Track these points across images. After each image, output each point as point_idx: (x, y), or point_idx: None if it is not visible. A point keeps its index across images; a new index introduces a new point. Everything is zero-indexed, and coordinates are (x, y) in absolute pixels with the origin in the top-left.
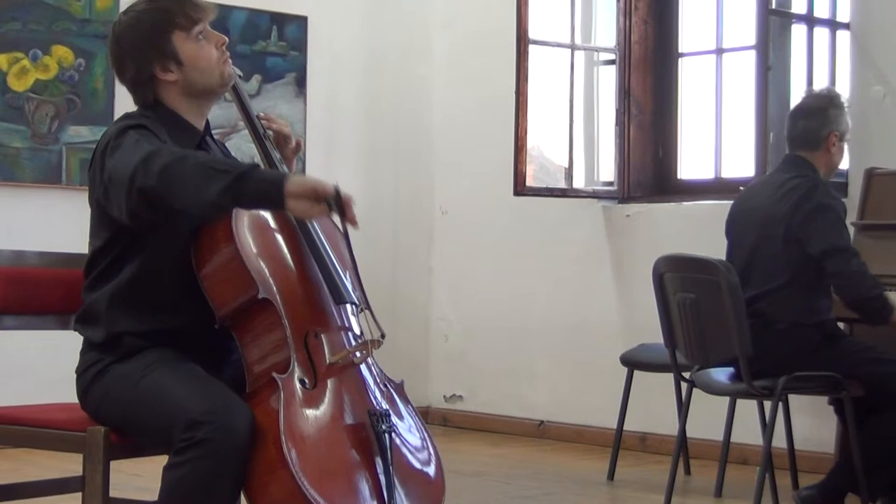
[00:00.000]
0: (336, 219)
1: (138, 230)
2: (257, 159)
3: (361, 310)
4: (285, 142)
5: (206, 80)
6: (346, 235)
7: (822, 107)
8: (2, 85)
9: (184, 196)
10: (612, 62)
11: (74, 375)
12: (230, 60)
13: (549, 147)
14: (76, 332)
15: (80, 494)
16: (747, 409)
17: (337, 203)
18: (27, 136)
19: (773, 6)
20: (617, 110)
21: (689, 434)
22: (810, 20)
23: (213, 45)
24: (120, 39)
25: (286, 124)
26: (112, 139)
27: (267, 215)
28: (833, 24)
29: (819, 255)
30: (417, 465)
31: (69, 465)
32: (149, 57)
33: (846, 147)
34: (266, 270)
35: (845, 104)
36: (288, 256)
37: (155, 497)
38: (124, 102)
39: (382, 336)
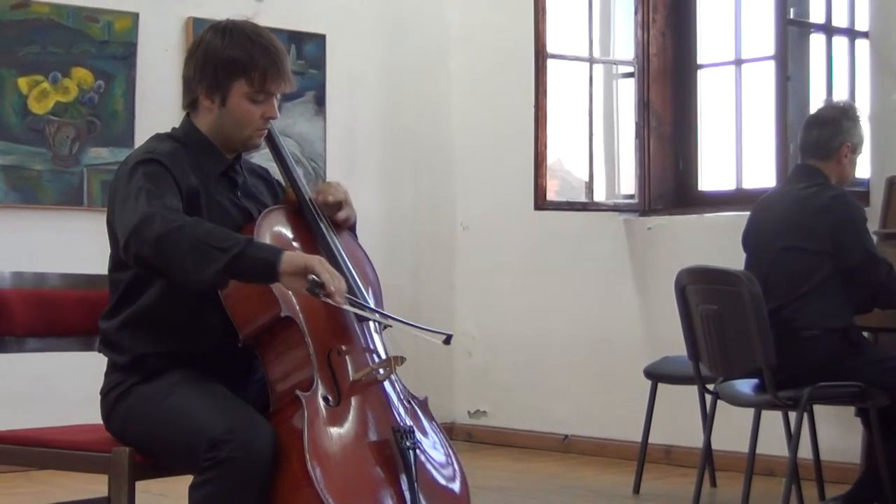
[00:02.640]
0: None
1: None
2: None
3: (384, 327)
4: (335, 210)
5: (232, 132)
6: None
7: (837, 117)
8: (22, 108)
9: (179, 273)
10: (630, 75)
11: (98, 397)
12: (265, 132)
13: (569, 161)
14: (99, 354)
15: None
16: (772, 421)
17: (320, 287)
18: (48, 159)
19: (792, 16)
20: (637, 123)
21: (714, 446)
22: (829, 29)
23: (261, 111)
24: (202, 43)
25: (333, 192)
26: (122, 180)
27: (288, 233)
28: (851, 33)
29: (856, 267)
30: (442, 482)
31: (95, 486)
32: (205, 78)
33: (858, 160)
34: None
35: (860, 117)
36: None
37: None
38: (145, 124)
39: (403, 358)
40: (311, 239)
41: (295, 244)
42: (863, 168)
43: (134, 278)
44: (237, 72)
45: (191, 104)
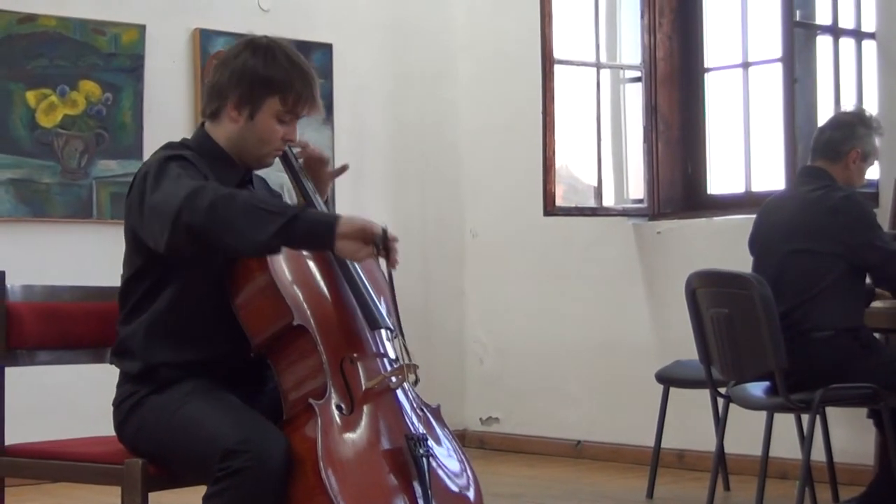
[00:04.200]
0: (382, 261)
1: (173, 260)
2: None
3: (396, 335)
4: (320, 165)
5: (252, 147)
6: (390, 279)
7: (852, 122)
8: (31, 121)
9: (234, 236)
10: (638, 79)
11: (110, 408)
12: (280, 153)
13: (577, 166)
14: (111, 365)
15: None
16: (785, 423)
17: (384, 244)
18: (57, 172)
19: (798, 18)
20: (644, 127)
21: (727, 450)
22: (835, 31)
23: (283, 132)
24: (240, 56)
25: (319, 150)
26: (153, 169)
27: None
28: (858, 34)
29: (875, 265)
30: (456, 489)
31: (108, 497)
32: (237, 89)
33: (867, 170)
34: (300, 297)
35: (877, 127)
36: (322, 283)
37: None
38: (153, 136)
39: (416, 366)
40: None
41: (310, 259)
42: (872, 169)
43: (149, 286)
44: (273, 90)
45: (214, 112)
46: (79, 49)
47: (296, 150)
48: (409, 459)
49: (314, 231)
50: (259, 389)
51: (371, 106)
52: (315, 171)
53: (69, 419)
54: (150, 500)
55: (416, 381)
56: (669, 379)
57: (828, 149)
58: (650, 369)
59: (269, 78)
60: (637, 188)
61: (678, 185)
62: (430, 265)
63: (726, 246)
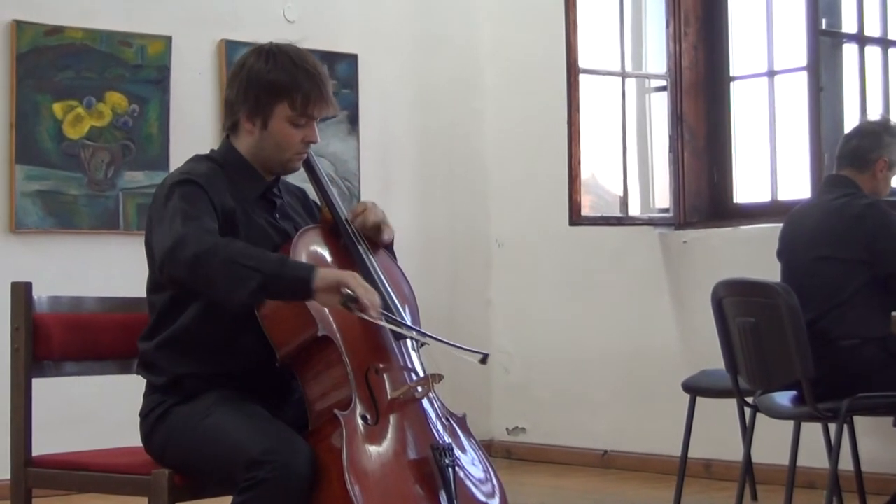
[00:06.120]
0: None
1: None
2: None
3: (422, 345)
4: (377, 233)
5: (272, 155)
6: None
7: (878, 131)
8: (58, 133)
9: (214, 292)
10: (663, 88)
11: (137, 419)
12: (304, 156)
13: (603, 175)
14: (138, 376)
15: None
16: (812, 433)
17: (353, 301)
18: (84, 183)
19: (824, 26)
20: (670, 136)
21: (754, 459)
22: (861, 39)
23: (301, 135)
24: (245, 66)
25: (372, 214)
26: (160, 199)
27: (325, 252)
28: (884, 43)
29: (891, 274)
30: (482, 498)
31: None
32: (247, 101)
33: (892, 177)
34: (325, 308)
35: None
36: None
37: None
38: (179, 147)
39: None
40: (348, 257)
41: (331, 263)
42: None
43: (171, 300)
44: (280, 95)
45: (232, 126)
46: (105, 61)
47: (354, 222)
48: (434, 469)
49: (291, 288)
50: (285, 400)
51: (397, 116)
52: (370, 238)
53: (96, 430)
54: None
55: (487, 359)
56: (696, 388)
57: (854, 158)
58: (677, 379)
59: (274, 83)
60: (663, 197)
61: (704, 195)
62: (456, 274)
63: (752, 255)
